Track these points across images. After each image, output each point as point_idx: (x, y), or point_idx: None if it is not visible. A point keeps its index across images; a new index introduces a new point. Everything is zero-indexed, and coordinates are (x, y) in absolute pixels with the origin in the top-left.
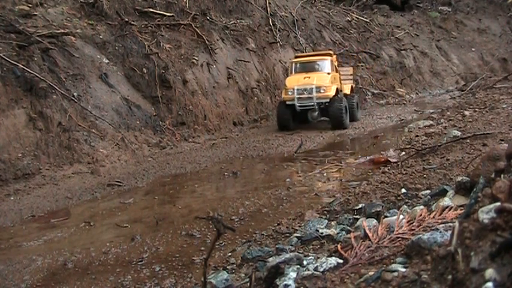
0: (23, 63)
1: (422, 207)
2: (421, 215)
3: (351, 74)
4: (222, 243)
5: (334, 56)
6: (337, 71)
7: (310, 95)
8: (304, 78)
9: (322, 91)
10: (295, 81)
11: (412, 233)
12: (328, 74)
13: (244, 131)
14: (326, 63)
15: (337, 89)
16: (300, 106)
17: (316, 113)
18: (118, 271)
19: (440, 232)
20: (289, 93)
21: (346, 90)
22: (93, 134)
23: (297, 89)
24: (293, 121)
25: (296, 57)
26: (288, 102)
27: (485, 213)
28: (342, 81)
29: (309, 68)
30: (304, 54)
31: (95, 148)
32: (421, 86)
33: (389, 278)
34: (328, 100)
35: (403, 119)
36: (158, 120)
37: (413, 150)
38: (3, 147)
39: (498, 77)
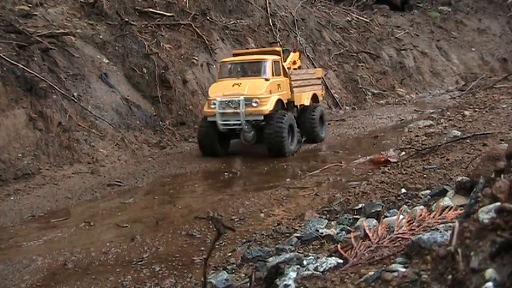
0: (23, 63)
1: (422, 207)
2: (421, 215)
3: (318, 78)
4: (222, 243)
5: (296, 54)
6: (286, 75)
7: (236, 110)
8: (233, 85)
9: (254, 104)
10: (220, 90)
11: (412, 233)
12: (267, 80)
13: None
14: (265, 65)
15: (279, 100)
16: (223, 125)
17: (251, 133)
18: (118, 271)
19: (440, 232)
20: (212, 106)
21: (305, 100)
22: (93, 134)
23: (220, 101)
24: (223, 143)
25: (234, 55)
26: (210, 119)
27: (485, 213)
28: (301, 88)
29: (242, 71)
30: (243, 51)
31: (95, 148)
32: (421, 86)
33: (389, 278)
34: (262, 117)
35: (403, 119)
36: (158, 120)
37: (413, 150)
38: (3, 147)
39: (498, 77)
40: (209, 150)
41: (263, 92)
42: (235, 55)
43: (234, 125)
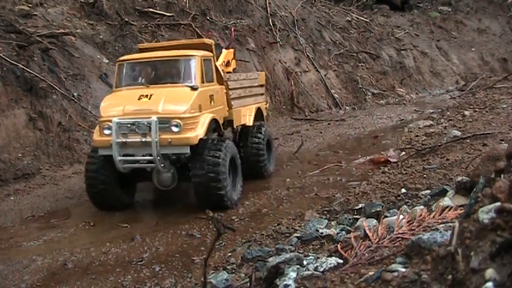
0: (23, 63)
1: (422, 207)
2: (421, 215)
3: (261, 85)
4: (222, 243)
5: (230, 52)
6: (221, 82)
7: (145, 139)
8: (140, 98)
9: (174, 128)
10: (118, 105)
11: (412, 233)
12: (194, 89)
13: None
14: (191, 66)
15: (213, 121)
16: (124, 162)
17: (169, 174)
18: (118, 271)
19: (440, 232)
20: (106, 131)
21: (246, 118)
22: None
23: (119, 124)
24: (126, 188)
25: (140, 50)
26: (103, 152)
27: (485, 213)
28: (242, 100)
29: (155, 75)
30: (154, 45)
31: None
32: (421, 86)
33: (389, 278)
34: (187, 149)
35: (403, 119)
36: None
37: (413, 150)
38: (3, 147)
39: (498, 77)
40: (103, 200)
41: (188, 108)
42: (142, 50)
43: (142, 162)
